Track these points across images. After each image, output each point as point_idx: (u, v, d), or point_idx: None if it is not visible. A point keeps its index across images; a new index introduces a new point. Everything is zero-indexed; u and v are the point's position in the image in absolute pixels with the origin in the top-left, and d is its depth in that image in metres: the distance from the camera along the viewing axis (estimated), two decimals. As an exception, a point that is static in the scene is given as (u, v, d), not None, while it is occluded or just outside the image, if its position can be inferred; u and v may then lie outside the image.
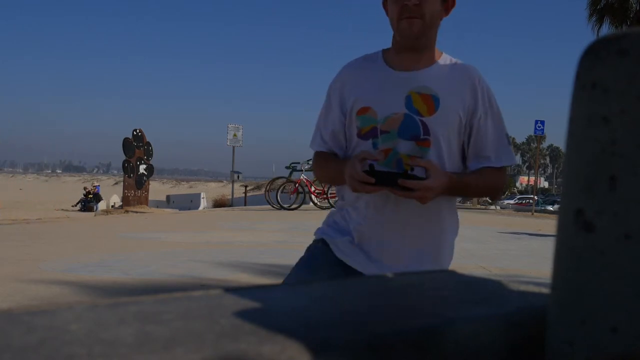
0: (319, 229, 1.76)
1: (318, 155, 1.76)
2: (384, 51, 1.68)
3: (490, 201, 31.65)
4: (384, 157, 1.57)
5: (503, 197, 34.90)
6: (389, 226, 1.62)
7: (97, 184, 29.35)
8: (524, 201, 34.73)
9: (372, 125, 1.62)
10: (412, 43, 1.59)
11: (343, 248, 1.66)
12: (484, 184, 1.64)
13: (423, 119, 1.57)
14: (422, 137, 1.58)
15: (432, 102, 1.58)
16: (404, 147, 1.58)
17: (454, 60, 1.66)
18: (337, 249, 1.66)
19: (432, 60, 1.63)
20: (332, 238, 1.68)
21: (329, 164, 1.70)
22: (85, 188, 27.55)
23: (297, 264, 1.68)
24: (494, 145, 1.64)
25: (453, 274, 0.69)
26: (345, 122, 1.67)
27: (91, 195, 25.89)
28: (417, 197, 1.50)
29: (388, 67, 1.64)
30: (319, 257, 1.67)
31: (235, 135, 20.98)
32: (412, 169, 1.56)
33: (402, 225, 1.62)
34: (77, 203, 26.16)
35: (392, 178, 1.49)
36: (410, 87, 1.59)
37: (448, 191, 1.56)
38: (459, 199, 1.73)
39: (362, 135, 1.63)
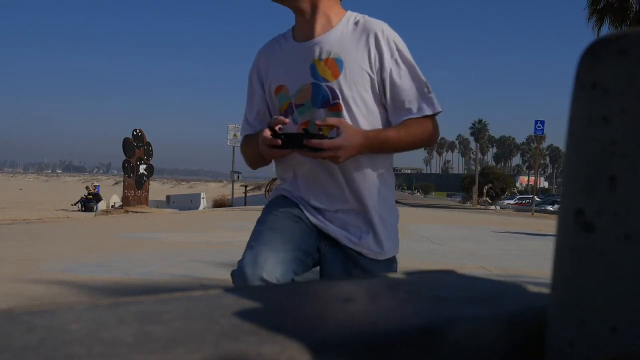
0: (275, 193, 1.77)
1: (244, 138, 1.78)
2: (294, 26, 1.70)
3: (489, 201, 31.63)
4: (318, 129, 1.57)
5: (503, 197, 34.85)
6: (326, 196, 1.63)
7: (97, 184, 29.35)
8: (524, 201, 34.73)
9: (287, 101, 1.65)
10: (291, 6, 1.63)
11: (300, 204, 1.66)
12: (407, 136, 1.61)
13: (329, 84, 1.58)
14: (332, 102, 1.59)
15: (336, 65, 1.59)
16: (319, 115, 1.59)
17: (358, 17, 1.65)
18: (297, 201, 1.67)
19: (331, 24, 1.63)
20: (288, 194, 1.69)
21: (251, 143, 1.69)
22: (87, 188, 27.56)
23: (258, 221, 1.65)
24: (413, 96, 1.61)
25: (453, 274, 0.69)
26: (269, 103, 1.71)
27: (91, 196, 25.89)
28: (329, 157, 1.51)
29: (295, 41, 1.66)
30: (278, 203, 1.67)
31: (235, 135, 20.98)
32: (320, 129, 1.58)
33: (338, 190, 1.62)
34: (77, 202, 26.16)
35: (297, 139, 1.50)
36: (313, 55, 1.60)
37: (367, 149, 1.56)
38: (390, 161, 1.70)
39: (283, 113, 1.66)
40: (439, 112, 1.66)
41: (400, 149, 1.67)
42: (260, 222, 1.65)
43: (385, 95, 1.62)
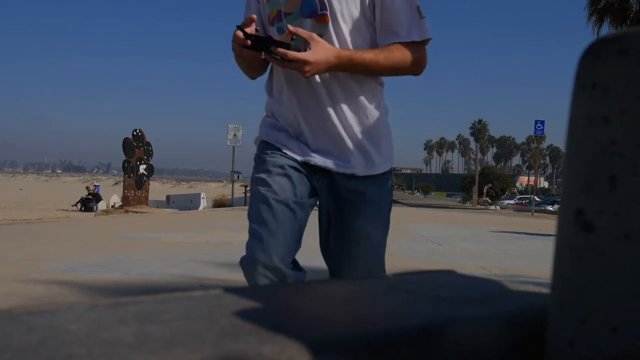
0: (260, 133, 1.77)
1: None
2: None
3: (489, 201, 31.63)
4: (290, 39, 1.57)
5: (503, 197, 34.85)
6: (309, 112, 1.64)
7: (97, 184, 29.34)
8: (524, 201, 34.74)
9: (277, 8, 1.65)
10: None
11: (284, 142, 1.69)
12: (387, 60, 1.59)
13: None
14: (319, 12, 1.59)
15: None
16: (306, 25, 1.60)
17: None
18: (279, 145, 1.69)
19: None
20: (271, 137, 1.71)
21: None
22: (87, 188, 27.54)
23: (256, 181, 1.67)
24: (403, 20, 1.60)
25: (453, 274, 0.69)
26: (262, 12, 1.72)
27: (91, 196, 25.88)
28: (295, 68, 1.52)
29: None
30: (263, 161, 1.68)
31: (235, 135, 20.99)
32: (292, 39, 1.57)
33: (320, 109, 1.63)
34: (77, 202, 26.15)
35: (266, 44, 1.53)
36: None
37: (338, 67, 1.56)
38: (377, 80, 1.69)
39: (271, 21, 1.68)
40: (428, 40, 1.63)
41: (378, 72, 1.65)
42: (254, 195, 1.67)
43: (374, 14, 1.61)
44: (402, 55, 1.60)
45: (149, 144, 19.06)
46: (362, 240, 1.68)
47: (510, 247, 7.29)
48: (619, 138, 0.43)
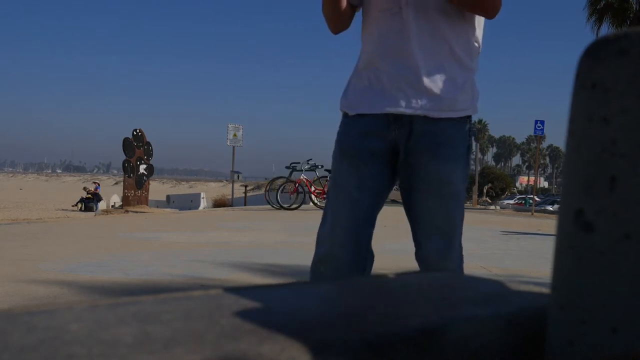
0: (343, 98, 1.83)
1: None
2: None
3: (489, 201, 31.62)
4: None
5: (503, 197, 34.84)
6: (391, 50, 1.69)
7: (98, 183, 29.30)
8: (522, 201, 34.75)
9: None
10: None
11: (359, 100, 1.76)
12: None
13: None
14: None
15: None
16: None
17: None
18: (354, 109, 1.76)
19: None
20: (348, 102, 1.79)
21: None
22: (85, 188, 27.49)
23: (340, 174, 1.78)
24: None
25: (453, 274, 0.69)
26: None
27: (90, 195, 25.86)
28: None
29: None
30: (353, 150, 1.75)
31: (235, 135, 20.98)
32: None
33: (403, 46, 1.68)
34: (77, 202, 26.13)
35: None
36: None
37: None
38: (466, 20, 1.72)
39: None
40: None
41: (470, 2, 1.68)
42: (331, 194, 1.81)
43: None
44: None
45: (149, 144, 19.05)
46: (440, 184, 1.70)
47: (510, 247, 7.29)
48: (619, 138, 0.43)
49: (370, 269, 1.82)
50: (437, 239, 1.73)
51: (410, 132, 1.71)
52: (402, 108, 1.69)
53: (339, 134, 1.80)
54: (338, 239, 1.75)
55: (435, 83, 1.68)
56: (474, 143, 1.99)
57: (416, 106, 1.69)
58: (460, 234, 1.79)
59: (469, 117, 1.75)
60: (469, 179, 1.79)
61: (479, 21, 1.77)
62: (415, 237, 1.79)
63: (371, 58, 1.73)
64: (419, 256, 1.78)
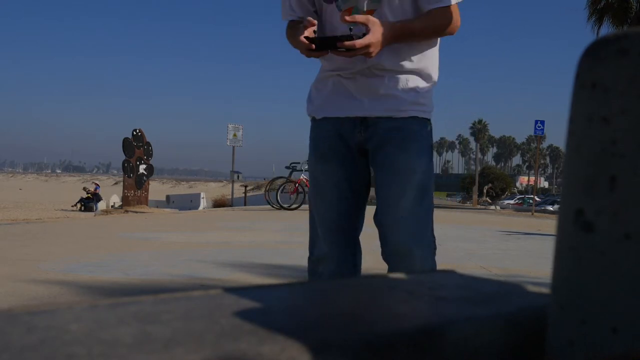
0: (308, 104, 1.90)
1: (288, 26, 1.87)
2: None
3: (489, 201, 31.62)
4: (349, 14, 1.67)
5: (503, 197, 34.84)
6: (362, 69, 1.75)
7: (97, 183, 29.26)
8: (521, 201, 34.76)
9: None
10: None
11: (326, 104, 1.82)
12: (431, 25, 1.73)
13: None
14: None
15: None
16: (362, 2, 1.72)
17: None
18: (321, 112, 1.83)
19: None
20: (315, 108, 1.86)
21: (294, 34, 1.78)
22: (85, 188, 27.47)
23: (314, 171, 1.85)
24: None
25: (453, 274, 0.69)
26: None
27: (90, 195, 25.84)
28: (361, 54, 1.62)
29: None
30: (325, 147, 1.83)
31: (235, 135, 20.97)
32: (350, 29, 1.68)
33: (374, 76, 1.76)
34: (77, 202, 26.12)
35: (330, 42, 1.62)
36: None
37: (394, 39, 1.67)
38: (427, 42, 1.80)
39: (328, 0, 1.77)
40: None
41: (424, 38, 1.77)
42: (312, 197, 1.88)
43: None
44: (443, 19, 1.73)
45: (148, 144, 19.05)
46: (405, 174, 1.73)
47: (510, 247, 7.29)
48: (619, 138, 0.43)
49: (360, 263, 1.89)
50: (403, 228, 1.73)
51: (375, 132, 1.77)
52: (367, 111, 1.76)
53: (310, 138, 1.88)
54: (326, 240, 1.82)
55: (398, 88, 1.76)
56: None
57: (380, 109, 1.76)
58: (429, 222, 1.79)
59: (429, 120, 1.82)
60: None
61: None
62: (382, 232, 1.78)
63: (334, 66, 1.80)
64: (385, 252, 1.77)
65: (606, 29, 21.68)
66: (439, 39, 1.85)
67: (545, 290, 0.56)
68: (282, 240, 7.00)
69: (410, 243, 1.72)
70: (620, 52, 0.43)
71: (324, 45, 1.63)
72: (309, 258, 1.88)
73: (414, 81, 1.77)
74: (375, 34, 1.60)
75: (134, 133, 19.03)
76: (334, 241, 1.82)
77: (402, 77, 1.76)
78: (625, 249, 0.42)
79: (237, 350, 0.37)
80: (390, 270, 1.73)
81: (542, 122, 18.46)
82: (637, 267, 0.41)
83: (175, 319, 0.43)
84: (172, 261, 5.14)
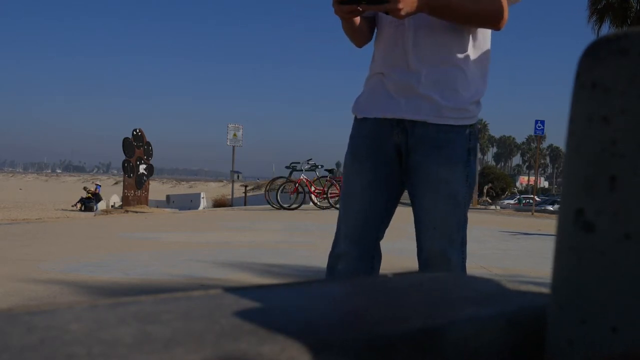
0: (355, 101, 1.91)
1: None
2: None
3: (489, 201, 31.62)
4: None
5: (503, 197, 34.81)
6: (393, 58, 1.76)
7: (99, 184, 29.25)
8: (523, 201, 34.76)
9: None
10: None
11: (367, 105, 1.83)
12: (472, 6, 1.68)
13: None
14: None
15: None
16: None
17: None
18: (363, 113, 1.84)
19: None
20: (358, 107, 1.87)
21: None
22: (85, 188, 27.45)
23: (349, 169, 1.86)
24: None
25: (453, 274, 0.69)
26: None
27: (90, 195, 25.83)
28: (389, 9, 1.60)
29: None
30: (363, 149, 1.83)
31: (235, 135, 20.97)
32: None
33: (402, 53, 1.74)
34: (77, 202, 26.10)
35: None
36: None
37: (427, 7, 1.64)
38: (467, 31, 1.75)
39: None
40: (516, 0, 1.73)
41: (464, 16, 1.70)
42: (342, 195, 1.91)
43: None
44: (488, 3, 1.68)
45: (148, 144, 19.05)
46: (437, 184, 1.72)
47: (510, 247, 7.29)
48: (619, 138, 0.43)
49: (379, 268, 1.89)
50: (436, 239, 1.75)
51: (411, 136, 1.75)
52: (403, 113, 1.75)
53: (350, 136, 1.89)
54: (348, 238, 1.83)
55: (435, 91, 1.72)
56: (475, 149, 1.98)
57: (416, 112, 1.74)
58: (462, 234, 1.78)
59: (471, 125, 1.78)
60: (473, 182, 1.79)
61: (484, 30, 1.80)
62: (417, 239, 1.81)
63: (378, 66, 1.81)
64: (420, 258, 1.80)
65: (606, 29, 21.68)
66: (489, 38, 1.80)
67: (545, 290, 0.56)
68: (282, 240, 7.00)
69: (441, 259, 1.73)
70: (620, 52, 0.43)
71: None
72: (330, 254, 1.89)
73: (456, 81, 1.73)
74: None
75: (134, 133, 19.03)
76: (355, 241, 1.82)
77: (443, 75, 1.72)
78: (625, 249, 0.42)
79: (237, 350, 0.37)
80: None
81: (542, 122, 18.45)
82: (637, 267, 0.41)
83: (175, 319, 0.43)
84: (172, 261, 5.14)
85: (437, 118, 1.72)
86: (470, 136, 1.77)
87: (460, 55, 1.73)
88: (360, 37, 1.88)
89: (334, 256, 1.87)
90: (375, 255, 1.86)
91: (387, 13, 1.65)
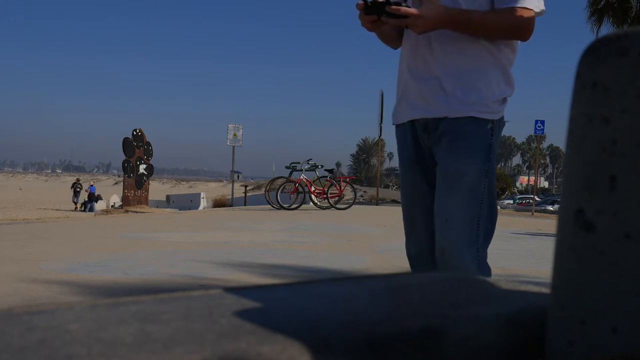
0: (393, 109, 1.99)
1: None
2: None
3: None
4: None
5: (503, 197, 34.83)
6: (411, 58, 1.81)
7: (93, 184, 29.22)
8: (524, 201, 34.76)
9: None
10: None
11: (396, 111, 1.91)
12: (493, 22, 1.69)
13: None
14: None
15: None
16: None
17: None
18: (395, 119, 1.93)
19: None
20: (393, 115, 1.95)
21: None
22: (74, 185, 27.31)
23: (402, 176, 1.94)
24: None
25: (453, 274, 0.69)
26: None
27: (81, 191, 25.77)
28: (409, 23, 1.64)
29: None
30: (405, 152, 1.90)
31: (235, 135, 20.96)
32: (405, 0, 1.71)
33: (417, 51, 1.79)
34: (81, 203, 26.10)
35: (380, 6, 1.66)
36: None
37: (447, 24, 1.67)
38: (487, 40, 1.75)
39: None
40: (541, 12, 1.71)
41: (486, 31, 1.72)
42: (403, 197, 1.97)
43: None
44: (511, 20, 1.69)
45: (148, 144, 19.05)
46: (452, 177, 1.74)
47: (510, 247, 7.29)
48: (619, 138, 0.43)
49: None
50: (446, 232, 1.73)
51: (435, 133, 1.78)
52: (423, 113, 1.79)
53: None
54: (410, 240, 1.92)
55: (456, 88, 1.74)
56: (495, 145, 2.00)
57: (437, 109, 1.76)
58: (477, 228, 1.74)
59: (493, 120, 1.78)
60: (492, 175, 1.79)
61: None
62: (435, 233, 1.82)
63: (402, 69, 1.88)
64: (435, 250, 1.80)
65: (606, 29, 21.68)
66: (515, 41, 1.80)
67: (545, 290, 0.56)
68: (282, 240, 7.00)
69: (454, 252, 1.72)
70: (620, 52, 0.43)
71: (375, 6, 1.66)
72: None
73: (477, 80, 1.74)
74: (428, 10, 1.62)
75: (134, 133, 19.03)
76: (414, 241, 1.90)
77: (464, 76, 1.74)
78: (625, 249, 0.42)
79: (237, 350, 0.37)
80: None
81: (542, 122, 18.44)
82: (637, 267, 0.41)
83: (175, 319, 0.43)
84: (172, 261, 5.14)
85: (455, 112, 1.74)
86: (492, 132, 1.78)
87: (481, 57, 1.75)
88: (392, 42, 1.96)
89: (407, 256, 1.94)
90: (432, 250, 1.87)
91: (407, 27, 1.69)
